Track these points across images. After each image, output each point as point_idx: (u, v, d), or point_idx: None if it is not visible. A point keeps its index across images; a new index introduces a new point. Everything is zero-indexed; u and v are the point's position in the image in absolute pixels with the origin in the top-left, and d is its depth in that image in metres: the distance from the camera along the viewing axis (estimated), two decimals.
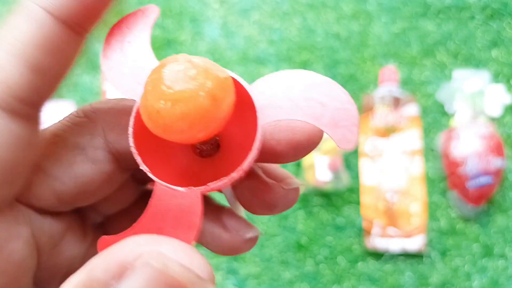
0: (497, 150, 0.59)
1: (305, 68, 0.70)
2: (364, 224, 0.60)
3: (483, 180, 0.58)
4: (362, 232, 0.60)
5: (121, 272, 0.11)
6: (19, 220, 0.14)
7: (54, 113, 0.69)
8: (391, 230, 0.59)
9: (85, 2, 0.13)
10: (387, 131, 0.63)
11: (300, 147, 0.16)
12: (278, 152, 0.15)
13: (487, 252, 0.60)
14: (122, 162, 0.15)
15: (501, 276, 0.59)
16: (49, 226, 0.15)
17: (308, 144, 0.16)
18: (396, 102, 0.63)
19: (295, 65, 0.66)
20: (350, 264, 0.60)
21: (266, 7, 0.69)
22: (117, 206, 0.18)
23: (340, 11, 0.68)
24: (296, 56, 0.67)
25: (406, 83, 0.65)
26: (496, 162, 0.58)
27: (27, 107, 0.13)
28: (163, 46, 0.67)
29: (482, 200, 0.59)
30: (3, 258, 0.13)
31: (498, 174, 0.59)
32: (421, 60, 0.66)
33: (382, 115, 0.63)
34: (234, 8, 0.69)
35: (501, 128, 0.63)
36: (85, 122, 0.15)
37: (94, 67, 0.66)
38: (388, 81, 0.63)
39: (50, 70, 0.13)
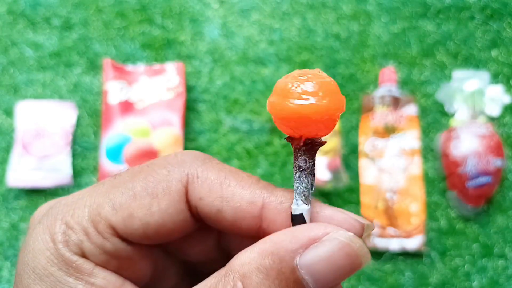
0: (497, 150, 0.59)
1: (305, 69, 0.70)
2: None
3: (483, 180, 0.58)
4: None
5: (309, 243, 0.15)
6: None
7: (55, 114, 0.69)
8: (390, 230, 0.59)
9: None
10: (386, 132, 0.63)
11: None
12: None
13: (487, 252, 0.60)
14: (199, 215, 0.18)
15: (501, 276, 0.59)
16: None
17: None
18: (396, 103, 0.63)
19: (295, 65, 0.66)
20: None
21: (266, 7, 0.69)
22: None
23: (340, 12, 0.68)
24: (296, 56, 0.67)
25: (406, 83, 0.65)
26: (495, 162, 0.59)
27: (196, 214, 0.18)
28: (163, 46, 0.67)
29: (482, 200, 0.59)
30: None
31: (498, 174, 0.59)
32: (421, 60, 0.66)
33: (382, 115, 0.63)
34: (234, 8, 0.69)
35: (500, 128, 0.64)
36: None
37: (94, 68, 0.66)
38: (388, 82, 0.63)
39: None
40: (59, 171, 0.61)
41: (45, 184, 0.61)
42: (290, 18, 0.68)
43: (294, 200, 0.17)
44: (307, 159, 0.17)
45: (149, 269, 0.19)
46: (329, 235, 0.15)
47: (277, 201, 0.17)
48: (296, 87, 0.16)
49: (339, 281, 0.15)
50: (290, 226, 0.17)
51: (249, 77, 0.66)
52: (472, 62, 0.66)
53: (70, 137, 0.63)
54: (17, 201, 0.62)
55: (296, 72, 0.17)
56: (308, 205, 0.17)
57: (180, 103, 0.62)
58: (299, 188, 0.17)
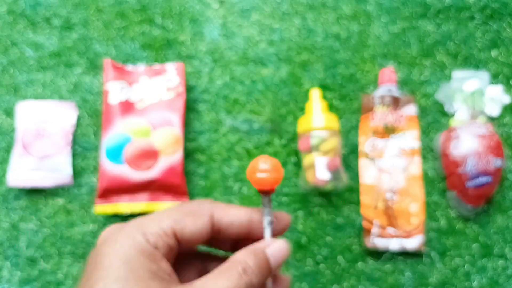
0: (497, 150, 0.59)
1: (305, 69, 0.70)
2: (364, 224, 0.60)
3: (483, 179, 0.58)
4: (362, 232, 0.60)
5: (270, 243, 0.31)
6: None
7: (56, 114, 0.69)
8: (390, 230, 0.59)
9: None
10: (386, 132, 0.63)
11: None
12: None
13: (487, 252, 0.60)
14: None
15: (501, 276, 0.59)
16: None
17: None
18: (396, 103, 0.64)
19: (295, 65, 0.66)
20: (349, 264, 0.60)
21: (266, 7, 0.69)
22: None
23: (340, 12, 0.68)
24: (296, 57, 0.67)
25: (405, 83, 0.65)
26: (495, 162, 0.59)
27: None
28: (163, 46, 0.67)
29: (482, 200, 0.59)
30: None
31: (498, 174, 0.59)
32: (420, 60, 0.66)
33: (381, 115, 0.63)
34: (234, 8, 0.69)
35: (500, 128, 0.64)
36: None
37: (94, 68, 0.66)
38: (388, 82, 0.64)
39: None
40: (59, 171, 0.62)
41: (45, 184, 0.61)
42: (290, 18, 0.68)
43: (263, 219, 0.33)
44: (267, 199, 0.32)
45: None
46: (277, 240, 0.32)
47: (258, 217, 0.32)
48: (258, 167, 0.32)
49: (282, 259, 0.31)
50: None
51: (249, 77, 0.66)
52: (472, 62, 0.66)
53: (70, 138, 0.63)
54: (17, 201, 0.62)
55: (259, 157, 0.32)
56: (268, 225, 0.32)
57: (180, 103, 0.62)
58: (263, 213, 0.32)
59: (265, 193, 0.32)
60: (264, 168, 0.31)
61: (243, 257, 0.29)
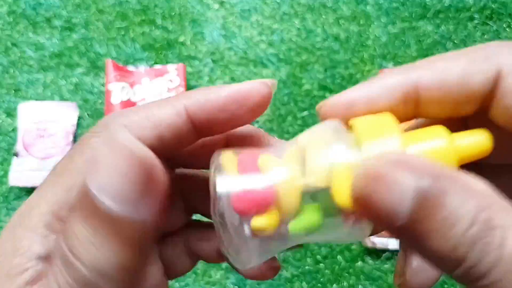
0: None
1: (304, 69, 0.69)
2: None
3: None
4: None
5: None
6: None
7: (57, 114, 0.69)
8: None
9: (213, 121, 0.19)
10: None
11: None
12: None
13: None
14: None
15: None
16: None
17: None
18: None
19: (295, 65, 0.66)
20: (349, 263, 0.60)
21: (266, 8, 0.69)
22: (167, 228, 0.23)
23: (340, 12, 0.68)
24: (296, 57, 0.67)
25: None
26: None
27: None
28: (163, 47, 0.67)
29: None
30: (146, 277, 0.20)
31: None
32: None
33: None
34: (234, 9, 0.69)
35: None
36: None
37: (95, 68, 0.66)
38: None
39: (170, 146, 0.19)
40: None
41: None
42: (290, 19, 0.68)
43: None
44: None
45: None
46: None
47: None
48: None
49: None
50: None
51: (249, 78, 0.66)
52: None
53: (71, 138, 0.63)
54: (18, 201, 0.62)
55: None
56: None
57: None
58: None
59: None
60: None
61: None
